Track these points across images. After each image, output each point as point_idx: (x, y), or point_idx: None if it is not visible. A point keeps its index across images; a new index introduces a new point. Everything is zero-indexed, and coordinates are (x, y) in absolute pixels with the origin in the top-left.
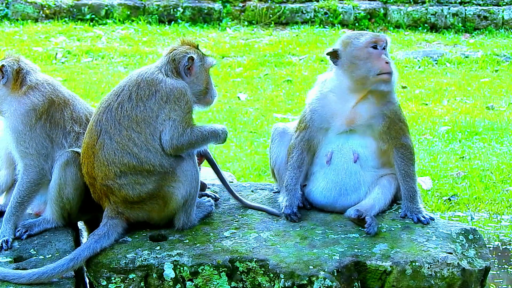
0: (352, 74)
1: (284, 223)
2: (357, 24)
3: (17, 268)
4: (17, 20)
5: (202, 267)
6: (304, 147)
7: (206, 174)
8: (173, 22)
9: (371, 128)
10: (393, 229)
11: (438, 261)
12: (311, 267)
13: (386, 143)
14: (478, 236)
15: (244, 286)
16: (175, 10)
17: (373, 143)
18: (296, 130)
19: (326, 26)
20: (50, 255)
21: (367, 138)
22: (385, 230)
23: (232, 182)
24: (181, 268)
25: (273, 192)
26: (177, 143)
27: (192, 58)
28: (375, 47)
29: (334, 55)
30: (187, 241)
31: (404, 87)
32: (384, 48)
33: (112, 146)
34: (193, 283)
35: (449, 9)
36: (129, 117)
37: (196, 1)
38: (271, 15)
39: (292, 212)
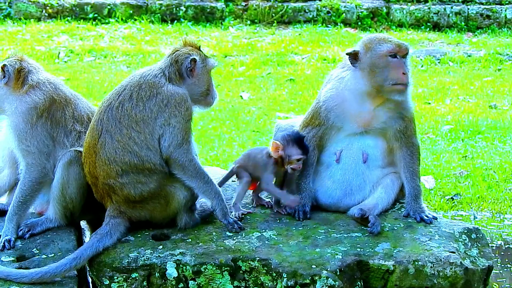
0: (370, 79)
1: (286, 222)
2: (359, 23)
3: (20, 267)
4: (20, 19)
5: (205, 266)
6: (316, 143)
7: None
8: (175, 21)
9: (385, 129)
10: (396, 228)
11: (440, 260)
12: (313, 266)
13: (398, 141)
14: (481, 235)
15: (247, 285)
16: (177, 9)
17: (383, 143)
18: (307, 125)
19: (329, 25)
20: (52, 254)
21: (379, 138)
22: (388, 229)
23: (234, 181)
24: (184, 267)
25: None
26: (173, 152)
27: (194, 60)
28: (394, 56)
29: (354, 57)
30: (190, 240)
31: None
32: (404, 57)
33: (113, 145)
34: (196, 282)
35: (451, 8)
36: (129, 116)
37: (199, 0)
38: (273, 14)
39: (305, 213)
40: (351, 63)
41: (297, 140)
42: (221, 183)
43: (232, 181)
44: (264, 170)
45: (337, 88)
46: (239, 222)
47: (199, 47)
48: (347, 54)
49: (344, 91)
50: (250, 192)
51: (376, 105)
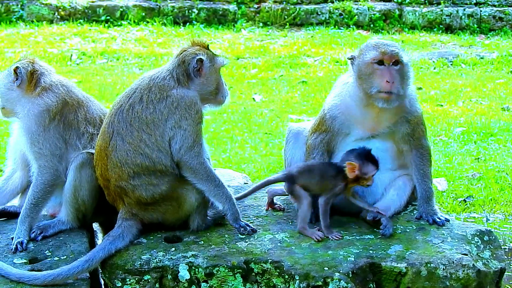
0: (359, 86)
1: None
2: (372, 25)
3: (32, 270)
4: (32, 21)
5: (217, 268)
6: (324, 148)
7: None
8: (188, 23)
9: (393, 133)
10: (408, 230)
11: (453, 262)
12: (326, 268)
13: (407, 144)
14: (493, 238)
15: (259, 287)
16: (190, 11)
17: (393, 146)
18: (315, 131)
19: (341, 27)
20: (65, 257)
21: (388, 142)
22: (400, 231)
23: (247, 183)
24: (196, 270)
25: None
26: (184, 155)
27: (201, 60)
28: (381, 63)
29: (352, 62)
30: (202, 242)
31: (419, 88)
32: (396, 64)
33: (124, 147)
34: (208, 285)
35: (464, 10)
36: (139, 118)
37: (211, 3)
38: (286, 16)
39: (311, 214)
40: (352, 68)
41: (369, 156)
42: (247, 195)
43: (245, 183)
44: (331, 188)
45: (340, 95)
46: (250, 225)
47: (208, 46)
48: (347, 58)
49: (346, 97)
50: (262, 193)
51: (378, 110)
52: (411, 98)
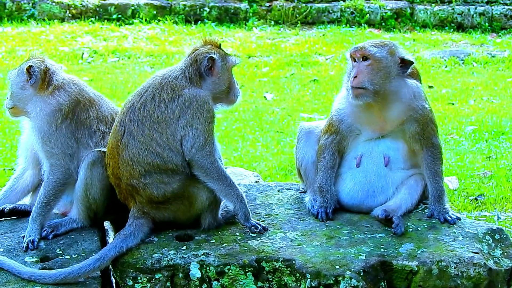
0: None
1: (310, 223)
2: (383, 24)
3: (43, 268)
4: (44, 20)
5: (228, 267)
6: (335, 148)
7: (234, 175)
8: (199, 21)
9: (402, 132)
10: (419, 229)
11: (464, 260)
12: (337, 267)
13: (418, 143)
14: (504, 236)
15: (271, 286)
16: (201, 10)
17: (404, 145)
18: (326, 132)
19: (353, 26)
20: (76, 255)
21: (399, 141)
22: (411, 230)
23: (258, 181)
24: (207, 268)
25: (299, 192)
26: (196, 154)
27: (212, 59)
28: (354, 60)
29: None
30: (213, 241)
31: (430, 87)
32: (365, 59)
33: (135, 146)
34: (219, 283)
35: (475, 8)
36: (151, 117)
37: (223, 1)
38: (297, 15)
39: (327, 214)
40: None
41: None
42: None
43: (256, 181)
44: None
45: (345, 96)
46: (261, 223)
47: (219, 45)
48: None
49: (350, 99)
50: (274, 192)
51: (380, 110)
52: (415, 96)
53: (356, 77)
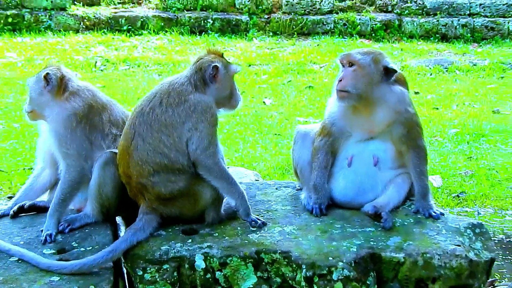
0: None
1: (305, 218)
2: (373, 35)
3: (60, 260)
4: (60, 31)
5: (230, 258)
6: (328, 149)
7: (235, 174)
8: (203, 32)
9: (390, 134)
10: (406, 223)
11: (447, 252)
12: (330, 258)
13: (404, 145)
14: (484, 230)
15: (269, 275)
16: (205, 21)
17: (392, 147)
18: (320, 134)
19: (345, 36)
20: (90, 248)
21: (387, 143)
22: (399, 224)
23: (258, 180)
24: (211, 259)
25: (296, 190)
26: (200, 155)
27: (216, 67)
28: (343, 65)
29: None
30: (217, 234)
31: (416, 93)
32: (350, 65)
33: (145, 147)
34: (222, 273)
35: (458, 20)
36: (159, 120)
37: (225, 14)
38: (294, 26)
39: (321, 210)
40: None
41: None
42: None
43: (256, 180)
44: None
45: (335, 100)
46: (260, 218)
47: (222, 54)
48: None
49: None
50: (272, 189)
51: (368, 114)
52: (400, 101)
53: (341, 80)
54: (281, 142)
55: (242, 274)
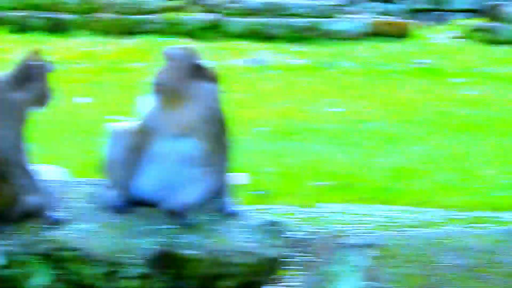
0: None
1: (108, 216)
2: (198, 34)
3: None
4: None
5: (28, 255)
6: (137, 146)
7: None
8: (26, 31)
9: (197, 131)
10: (206, 221)
11: (240, 250)
12: (130, 255)
13: (210, 142)
14: (279, 228)
15: (68, 272)
16: (28, 20)
17: (198, 144)
18: (130, 131)
19: (170, 36)
20: None
21: (194, 140)
22: (199, 221)
23: (65, 177)
24: (11, 257)
25: (105, 188)
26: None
27: (32, 66)
28: (161, 61)
29: None
30: (17, 232)
31: (230, 91)
32: (167, 61)
33: None
34: (16, 271)
35: (280, 21)
36: None
37: (51, 13)
38: (120, 26)
39: (124, 207)
40: None
41: None
42: None
43: (63, 177)
44: None
45: (148, 96)
46: (63, 216)
47: (41, 53)
48: None
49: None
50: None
51: (179, 110)
52: (208, 98)
53: (158, 74)
54: (92, 140)
55: (40, 272)
